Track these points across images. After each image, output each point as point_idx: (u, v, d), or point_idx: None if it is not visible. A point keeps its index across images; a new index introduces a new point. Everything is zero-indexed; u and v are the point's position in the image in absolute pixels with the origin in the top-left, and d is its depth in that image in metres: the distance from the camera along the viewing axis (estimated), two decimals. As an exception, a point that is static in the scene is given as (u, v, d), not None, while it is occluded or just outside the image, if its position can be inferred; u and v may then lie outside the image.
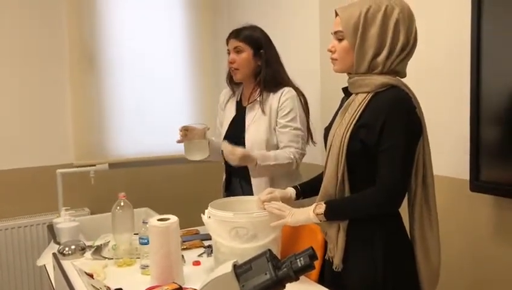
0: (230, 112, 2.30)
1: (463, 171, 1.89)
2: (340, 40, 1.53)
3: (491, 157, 1.79)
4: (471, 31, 1.79)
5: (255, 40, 2.17)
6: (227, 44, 2.21)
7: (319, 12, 2.69)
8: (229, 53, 2.20)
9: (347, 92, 1.61)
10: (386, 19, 1.45)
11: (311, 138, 2.23)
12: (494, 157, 1.79)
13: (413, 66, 1.56)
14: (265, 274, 1.03)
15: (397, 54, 1.47)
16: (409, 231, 1.57)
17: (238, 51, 2.16)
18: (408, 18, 1.47)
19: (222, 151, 2.00)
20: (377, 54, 1.48)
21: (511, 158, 1.73)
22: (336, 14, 1.54)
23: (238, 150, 1.95)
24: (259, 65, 2.17)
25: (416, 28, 1.50)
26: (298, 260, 1.05)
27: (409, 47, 1.48)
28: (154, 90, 3.43)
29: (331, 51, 1.57)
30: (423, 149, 1.51)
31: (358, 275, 1.51)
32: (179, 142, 2.06)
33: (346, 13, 1.50)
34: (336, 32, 1.54)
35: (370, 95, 1.49)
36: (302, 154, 2.13)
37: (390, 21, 1.45)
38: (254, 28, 2.21)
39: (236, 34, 2.19)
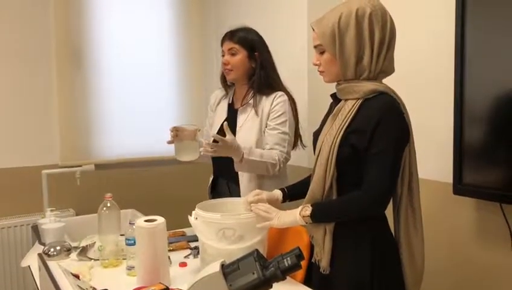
0: (222, 114, 2.30)
1: (447, 175, 1.92)
2: (321, 53, 1.56)
3: (473, 161, 1.83)
4: (455, 34, 1.83)
5: (250, 42, 2.18)
6: (222, 45, 2.22)
7: (307, 16, 2.70)
8: (223, 55, 2.20)
9: (336, 98, 1.63)
10: (359, 22, 1.48)
11: (301, 142, 2.25)
12: (476, 162, 1.83)
13: (397, 71, 1.58)
14: (253, 274, 1.04)
15: (377, 52, 1.49)
16: (394, 233, 1.60)
17: (232, 53, 2.17)
18: (381, 15, 1.49)
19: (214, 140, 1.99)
20: (360, 58, 1.50)
21: (493, 162, 1.77)
22: (313, 29, 1.57)
23: (229, 135, 1.96)
24: (253, 67, 2.18)
25: (391, 22, 1.51)
26: (285, 260, 1.06)
27: (386, 42, 1.49)
28: (142, 90, 3.42)
29: (316, 65, 1.60)
30: (409, 154, 1.54)
31: (346, 277, 1.53)
32: (169, 142, 2.05)
33: (321, 26, 1.53)
34: (316, 46, 1.58)
35: (359, 102, 1.50)
36: (286, 159, 2.14)
37: (363, 23, 1.48)
38: (249, 30, 2.23)
39: (231, 35, 2.19)
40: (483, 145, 1.80)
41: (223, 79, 2.31)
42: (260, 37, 2.23)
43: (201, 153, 1.97)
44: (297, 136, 2.23)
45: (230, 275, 1.05)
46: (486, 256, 1.90)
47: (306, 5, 2.71)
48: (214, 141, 1.92)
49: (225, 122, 1.97)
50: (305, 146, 2.27)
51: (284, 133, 2.12)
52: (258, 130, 2.15)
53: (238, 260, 1.07)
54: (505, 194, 1.70)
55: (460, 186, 1.85)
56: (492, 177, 1.77)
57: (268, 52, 2.23)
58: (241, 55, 2.17)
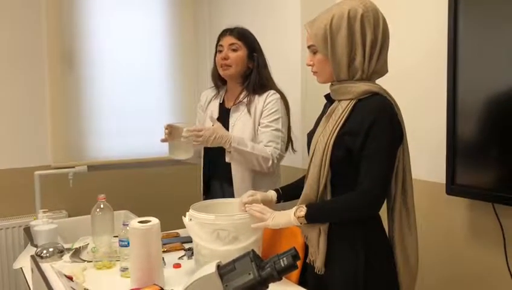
0: (213, 114, 2.28)
1: (440, 175, 1.93)
2: (314, 53, 1.57)
3: (466, 161, 1.84)
4: (447, 35, 1.84)
5: (251, 41, 2.19)
6: (220, 40, 2.20)
7: (300, 18, 2.71)
8: (221, 50, 2.18)
9: (330, 99, 1.63)
10: (351, 24, 1.48)
11: (292, 145, 2.25)
12: (469, 162, 1.84)
13: (390, 71, 1.58)
14: (249, 274, 1.04)
15: (369, 53, 1.49)
16: (388, 234, 1.60)
17: (234, 48, 2.16)
18: (373, 16, 1.49)
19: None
20: (352, 59, 1.50)
21: (486, 162, 1.78)
22: (307, 30, 1.57)
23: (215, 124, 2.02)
24: (250, 67, 2.18)
25: (384, 23, 1.52)
26: (281, 260, 1.06)
27: (378, 43, 1.50)
28: (135, 91, 3.41)
29: (309, 65, 1.60)
30: (403, 155, 1.54)
31: (340, 277, 1.53)
32: (162, 141, 2.04)
33: (313, 27, 1.54)
34: (309, 47, 1.58)
35: (353, 102, 1.51)
36: (280, 156, 2.13)
37: (355, 24, 1.48)
38: (247, 30, 2.23)
39: (231, 31, 2.19)
40: (476, 146, 1.81)
41: (215, 76, 2.29)
42: (256, 39, 2.23)
43: (193, 143, 1.98)
44: (289, 138, 2.22)
45: (226, 276, 1.05)
46: (479, 256, 1.91)
47: (299, 6, 2.72)
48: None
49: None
50: (295, 150, 2.27)
51: (277, 130, 2.12)
52: (252, 129, 2.14)
53: (234, 261, 1.07)
54: (497, 195, 1.71)
55: (453, 187, 1.86)
56: (485, 178, 1.78)
57: (263, 53, 2.23)
58: (242, 52, 2.16)
